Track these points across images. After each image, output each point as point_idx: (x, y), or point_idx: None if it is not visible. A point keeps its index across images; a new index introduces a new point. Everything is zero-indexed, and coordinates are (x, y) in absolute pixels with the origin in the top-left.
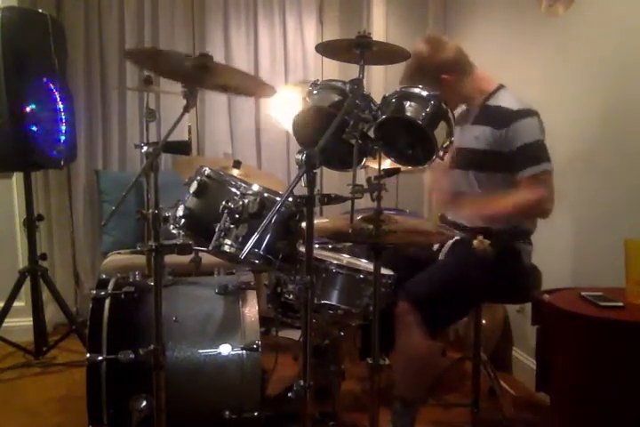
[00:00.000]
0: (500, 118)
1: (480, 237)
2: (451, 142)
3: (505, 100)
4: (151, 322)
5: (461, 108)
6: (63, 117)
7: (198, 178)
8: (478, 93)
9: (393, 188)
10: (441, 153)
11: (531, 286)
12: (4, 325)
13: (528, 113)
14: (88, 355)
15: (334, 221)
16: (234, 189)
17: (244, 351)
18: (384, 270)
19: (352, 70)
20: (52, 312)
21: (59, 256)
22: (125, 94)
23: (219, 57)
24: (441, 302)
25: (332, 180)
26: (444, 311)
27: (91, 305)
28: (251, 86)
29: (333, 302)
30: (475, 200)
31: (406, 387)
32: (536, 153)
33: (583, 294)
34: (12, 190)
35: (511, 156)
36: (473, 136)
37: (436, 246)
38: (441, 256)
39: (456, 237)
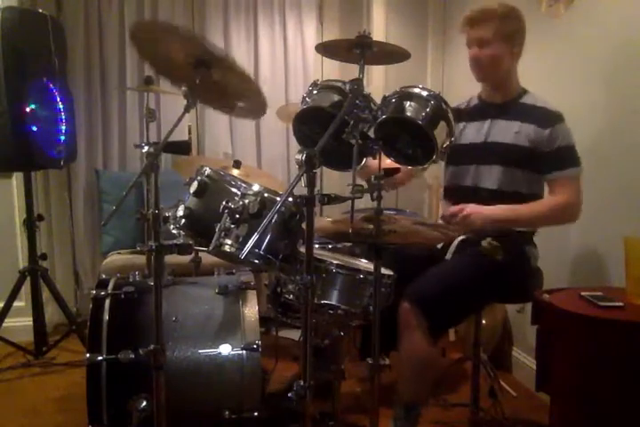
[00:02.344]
0: (545, 118)
1: (489, 239)
2: (451, 142)
3: (541, 102)
4: (151, 322)
5: (473, 102)
6: (63, 117)
7: (199, 178)
8: (510, 86)
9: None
10: (441, 153)
11: (534, 287)
12: (4, 325)
13: (564, 118)
14: (88, 355)
15: (334, 221)
16: (234, 189)
17: (244, 351)
18: (384, 270)
19: (352, 70)
20: (51, 312)
21: (59, 256)
22: (125, 94)
23: None
24: (446, 305)
25: (331, 180)
26: (448, 314)
27: (91, 305)
28: (246, 94)
29: (333, 302)
30: (503, 208)
31: (409, 390)
32: (571, 156)
33: (583, 294)
34: (12, 190)
35: (550, 155)
36: (513, 131)
37: (440, 245)
38: (448, 256)
39: (462, 237)
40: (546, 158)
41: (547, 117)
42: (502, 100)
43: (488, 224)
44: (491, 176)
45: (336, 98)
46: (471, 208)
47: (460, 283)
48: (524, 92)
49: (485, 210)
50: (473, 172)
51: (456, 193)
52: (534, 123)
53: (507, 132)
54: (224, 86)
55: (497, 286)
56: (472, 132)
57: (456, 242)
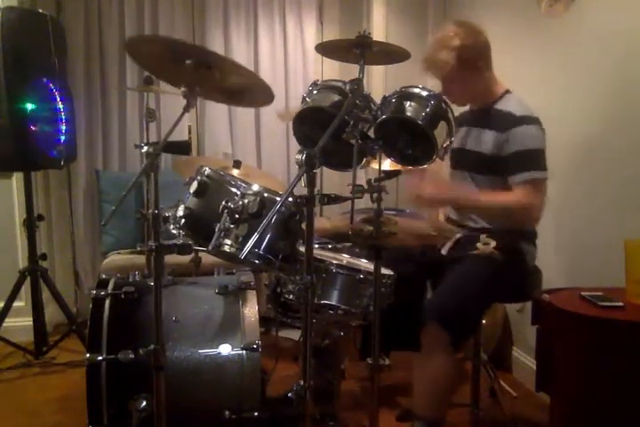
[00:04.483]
0: (503, 122)
1: (485, 239)
2: (451, 142)
3: (510, 106)
4: (151, 322)
5: (465, 109)
6: (63, 117)
7: (198, 178)
8: (489, 94)
9: (393, 188)
10: (441, 153)
11: (532, 286)
12: (4, 325)
13: (529, 120)
14: (88, 355)
15: (336, 222)
16: (234, 189)
17: (244, 351)
18: (384, 270)
19: (352, 70)
20: (51, 312)
21: (59, 256)
22: (125, 94)
23: None
24: (464, 317)
25: (331, 180)
26: (467, 325)
27: (91, 305)
28: (251, 88)
29: (333, 302)
30: (464, 187)
31: (430, 407)
32: (530, 160)
33: (583, 294)
34: (12, 190)
35: (507, 160)
36: (479, 139)
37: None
38: (443, 251)
39: (458, 235)
40: (504, 162)
41: (506, 122)
42: (480, 107)
43: (438, 204)
44: (463, 182)
45: (336, 98)
46: (424, 192)
47: (472, 292)
48: (504, 95)
49: (437, 194)
50: (455, 176)
51: None
52: (494, 128)
53: (474, 139)
54: (226, 83)
55: (496, 286)
56: (457, 139)
57: (453, 239)
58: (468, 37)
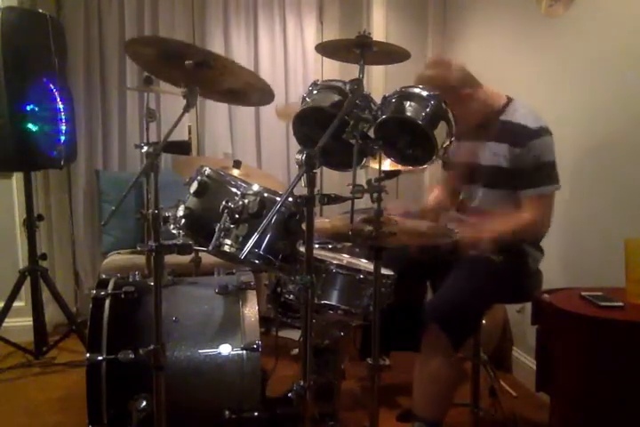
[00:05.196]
0: (518, 136)
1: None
2: (451, 142)
3: (520, 116)
4: (151, 322)
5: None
6: (63, 117)
7: (198, 178)
8: (488, 106)
9: (393, 188)
10: (441, 153)
11: (532, 287)
12: (3, 325)
13: (545, 132)
14: (88, 355)
15: (335, 222)
16: (234, 189)
17: (244, 351)
18: (384, 270)
19: (352, 70)
20: (51, 312)
21: (59, 256)
22: (125, 94)
23: None
24: (467, 320)
25: (332, 180)
26: (469, 327)
27: (91, 305)
28: (251, 88)
29: (333, 302)
30: (472, 224)
31: (430, 408)
32: (546, 173)
33: (583, 294)
34: (12, 190)
35: (522, 173)
36: (492, 153)
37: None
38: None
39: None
40: (519, 176)
41: (520, 135)
42: (484, 118)
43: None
44: (476, 195)
45: (336, 98)
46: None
47: (472, 295)
48: (507, 103)
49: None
50: (465, 191)
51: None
52: (507, 142)
53: (486, 153)
54: (226, 83)
55: (498, 289)
56: (462, 153)
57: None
58: (455, 75)
